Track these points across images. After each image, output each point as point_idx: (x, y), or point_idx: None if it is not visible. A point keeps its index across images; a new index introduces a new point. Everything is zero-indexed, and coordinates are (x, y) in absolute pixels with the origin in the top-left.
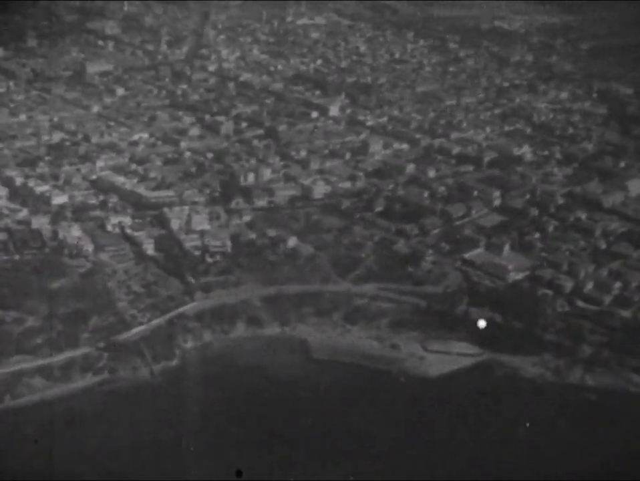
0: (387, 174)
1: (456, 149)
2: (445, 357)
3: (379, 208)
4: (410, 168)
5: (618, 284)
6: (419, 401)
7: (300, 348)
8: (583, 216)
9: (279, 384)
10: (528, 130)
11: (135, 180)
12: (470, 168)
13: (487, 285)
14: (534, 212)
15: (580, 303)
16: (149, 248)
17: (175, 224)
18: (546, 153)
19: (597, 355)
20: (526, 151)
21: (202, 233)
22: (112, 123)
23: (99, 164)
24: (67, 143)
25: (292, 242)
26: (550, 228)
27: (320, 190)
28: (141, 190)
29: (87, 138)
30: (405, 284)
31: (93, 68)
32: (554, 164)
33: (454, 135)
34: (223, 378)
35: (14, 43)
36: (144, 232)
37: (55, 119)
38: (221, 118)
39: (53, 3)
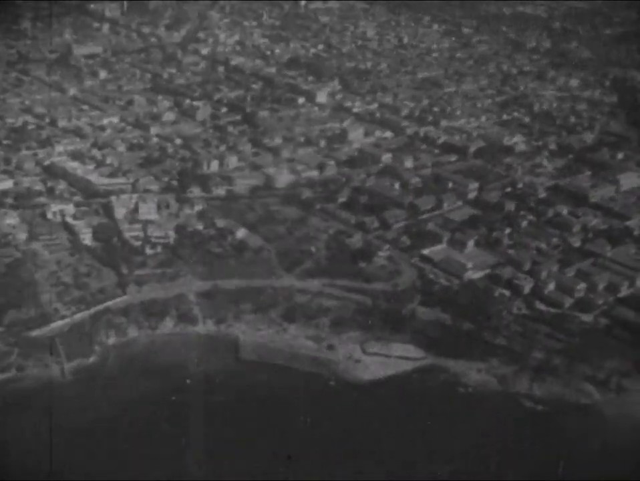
0: (361, 163)
1: (443, 139)
2: (384, 361)
3: (342, 199)
4: (387, 157)
5: (583, 286)
6: (344, 407)
7: (229, 347)
8: (565, 211)
9: (198, 385)
10: (527, 119)
11: (91, 167)
12: (453, 158)
13: (441, 284)
14: (511, 206)
15: (539, 305)
16: (87, 238)
17: (120, 213)
18: (540, 143)
19: (548, 362)
20: (518, 141)
21: (147, 223)
22: (85, 107)
23: (58, 148)
24: (31, 127)
25: (240, 233)
26: (524, 224)
27: (284, 179)
28: (94, 176)
29: (53, 122)
30: (354, 280)
31: (80, 50)
32: (547, 155)
33: (444, 123)
34: (140, 377)
35: (6, 25)
36: (84, 221)
37: (27, 102)
38: (199, 103)
39: None
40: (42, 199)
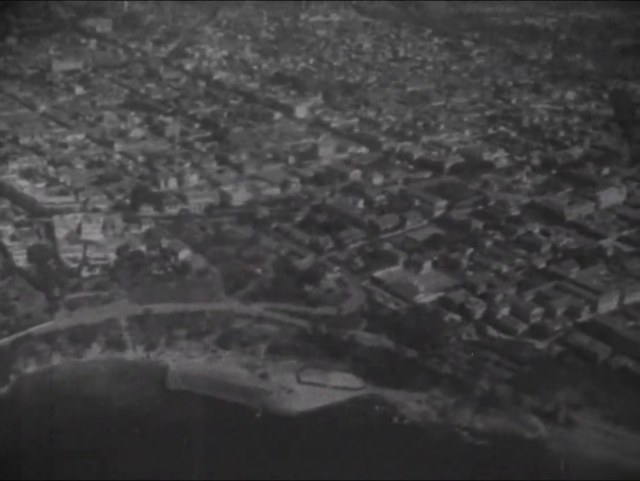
0: (327, 180)
1: (419, 154)
2: (318, 391)
3: (299, 218)
4: (355, 174)
5: (539, 311)
6: (269, 441)
7: (157, 376)
8: (536, 229)
9: (118, 417)
10: (513, 134)
11: (41, 185)
12: (427, 174)
13: (389, 308)
14: (478, 224)
15: (491, 331)
16: (21, 260)
17: (61, 233)
18: (523, 158)
19: (493, 393)
20: (500, 156)
21: (88, 244)
22: (52, 124)
23: (13, 166)
24: None
25: (183, 254)
26: (489, 244)
27: (241, 197)
28: (40, 195)
29: (15, 139)
30: (297, 304)
31: (59, 66)
32: (528, 171)
33: (425, 138)
34: (57, 408)
35: None
36: (21, 242)
37: None
38: (169, 119)
39: (52, 2)
40: None
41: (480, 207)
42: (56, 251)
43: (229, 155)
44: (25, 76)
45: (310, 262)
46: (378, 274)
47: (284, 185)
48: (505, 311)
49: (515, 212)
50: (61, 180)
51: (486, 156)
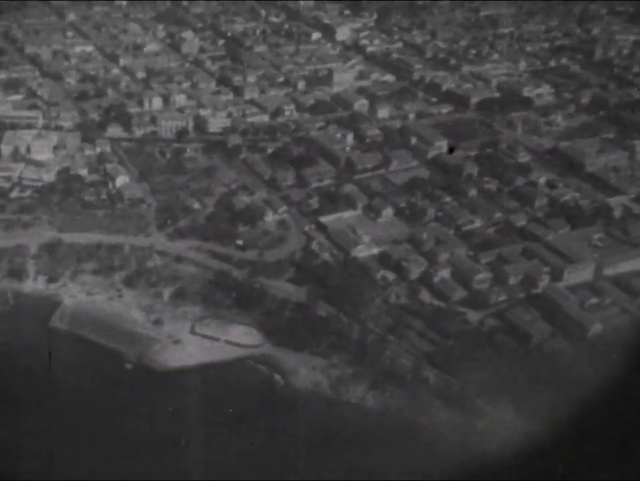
0: (326, 109)
1: (449, 86)
2: (209, 345)
3: (271, 150)
4: (361, 104)
5: (486, 276)
6: (123, 396)
7: (44, 312)
8: (542, 180)
9: None
10: (575, 68)
11: (14, 97)
12: (446, 109)
13: (322, 258)
14: (473, 169)
15: (424, 296)
16: None
17: (7, 150)
18: (570, 96)
19: (398, 368)
20: (544, 92)
21: (31, 163)
22: (70, 34)
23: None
24: None
25: (121, 181)
26: (472, 192)
27: (218, 123)
28: (6, 107)
29: (21, 48)
30: (226, 245)
31: None
32: (570, 111)
33: (466, 68)
34: None
35: None
36: None
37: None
38: (189, 35)
39: None
40: None
41: (489, 150)
42: None
43: (235, 76)
44: None
45: (256, 200)
46: (327, 219)
47: (276, 112)
48: (445, 273)
49: (524, 159)
50: (40, 93)
51: (527, 92)
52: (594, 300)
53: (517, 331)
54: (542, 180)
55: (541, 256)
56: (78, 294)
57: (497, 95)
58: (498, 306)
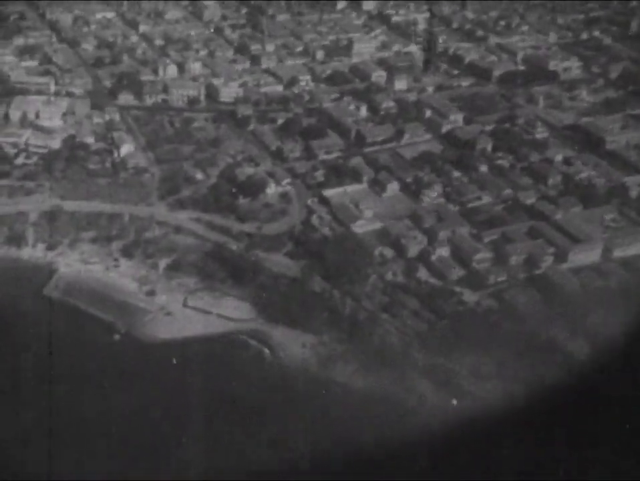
0: (343, 80)
1: (473, 58)
2: (200, 318)
3: (281, 120)
4: (378, 75)
5: (486, 256)
6: (110, 366)
7: (40, 280)
8: (559, 157)
9: None
10: (607, 41)
11: (30, 63)
12: (467, 82)
13: (321, 233)
14: (487, 144)
15: (422, 274)
16: None
17: (15, 115)
18: (599, 71)
19: (389, 348)
20: (572, 66)
21: (39, 129)
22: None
23: (17, 42)
24: None
25: (126, 149)
26: (483, 168)
27: (230, 92)
28: (18, 73)
29: (42, 14)
30: (227, 217)
31: None
32: (597, 85)
33: (493, 40)
34: None
35: None
36: None
37: None
38: (211, 2)
39: None
40: None
41: (507, 125)
42: None
43: (253, 45)
44: None
45: (259, 171)
46: (330, 192)
47: (291, 83)
48: (444, 252)
49: (542, 134)
50: (55, 59)
51: (553, 65)
52: (598, 282)
53: (513, 313)
54: (559, 157)
55: (547, 235)
56: (75, 263)
57: (521, 68)
58: (496, 286)
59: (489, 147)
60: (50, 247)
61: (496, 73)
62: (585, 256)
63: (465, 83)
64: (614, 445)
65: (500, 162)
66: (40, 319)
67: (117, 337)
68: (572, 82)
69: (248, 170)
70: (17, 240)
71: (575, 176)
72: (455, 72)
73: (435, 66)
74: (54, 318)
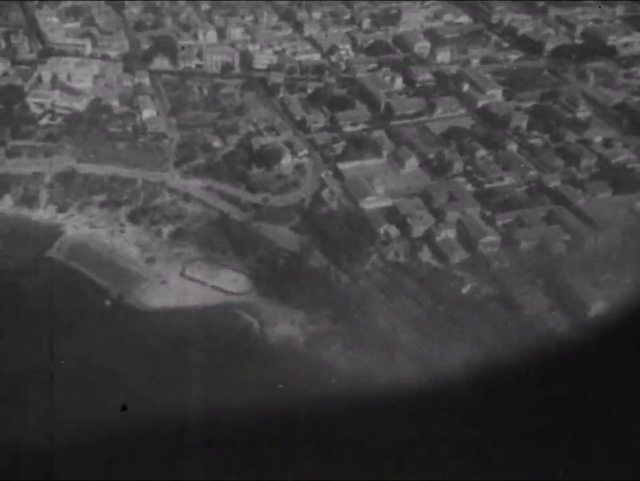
0: (384, 50)
1: (527, 30)
2: (194, 288)
3: (311, 90)
4: (421, 46)
5: (493, 240)
6: (96, 332)
7: (46, 241)
8: (598, 138)
9: None
10: None
11: (71, 24)
12: (516, 55)
13: (329, 208)
14: (522, 121)
15: (423, 255)
16: None
17: (47, 76)
18: None
19: (379, 330)
20: (632, 41)
21: (67, 91)
22: None
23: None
24: None
25: (147, 114)
26: (511, 147)
27: (264, 59)
28: (58, 34)
29: None
30: (238, 187)
31: None
32: None
33: (553, 12)
34: None
35: None
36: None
37: None
38: None
39: None
40: None
41: (548, 102)
42: (23, 94)
43: (299, 12)
44: None
45: (277, 141)
46: (347, 166)
47: (330, 51)
48: (450, 233)
49: (585, 113)
50: (97, 21)
51: (612, 40)
52: (610, 276)
53: (511, 301)
54: (598, 138)
55: (565, 221)
56: (82, 226)
57: (578, 42)
58: (500, 273)
59: (524, 125)
60: (60, 209)
61: (549, 46)
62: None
63: (513, 56)
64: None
65: (533, 140)
66: (40, 280)
67: (108, 302)
68: (630, 59)
69: (266, 139)
70: (29, 200)
71: (612, 160)
72: (506, 45)
73: (486, 37)
74: (51, 280)
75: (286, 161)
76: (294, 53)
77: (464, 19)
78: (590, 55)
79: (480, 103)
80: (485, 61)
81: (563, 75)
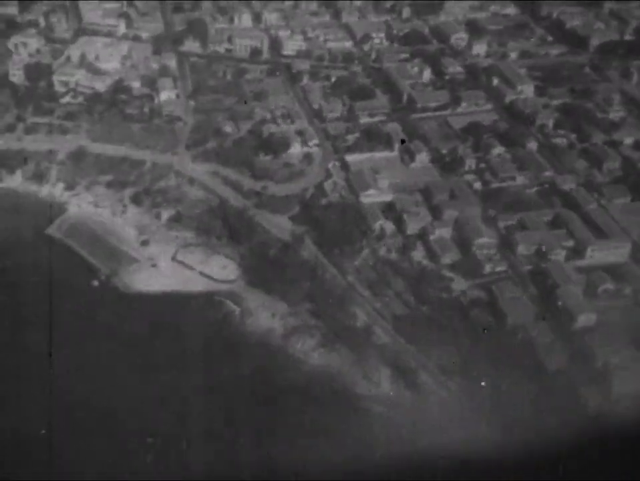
0: (418, 40)
1: (575, 24)
2: (183, 273)
3: (334, 79)
4: (458, 37)
5: (490, 242)
6: (80, 313)
7: (47, 219)
8: (629, 140)
9: None
10: None
11: (111, 5)
12: (559, 50)
13: (329, 200)
14: (549, 119)
15: (415, 253)
16: (17, 75)
17: (75, 55)
18: None
19: (358, 329)
20: None
21: (90, 70)
22: None
23: None
24: None
25: (165, 96)
26: (531, 145)
27: (293, 45)
28: (93, 15)
29: None
30: (244, 173)
31: None
32: None
33: (609, 5)
34: None
35: None
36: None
37: None
38: None
39: None
40: None
41: (583, 100)
42: (50, 72)
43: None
44: None
45: (289, 129)
46: (355, 157)
47: (363, 39)
48: (445, 233)
49: (618, 113)
50: (136, 1)
51: None
52: (609, 286)
53: (495, 308)
54: (629, 140)
55: (571, 227)
56: (86, 205)
57: (629, 38)
58: (491, 276)
59: (550, 123)
60: (68, 187)
61: (595, 42)
62: (608, 254)
63: (555, 51)
64: None
65: (557, 140)
66: (36, 257)
67: (95, 283)
68: None
69: (279, 127)
70: (39, 177)
71: (638, 164)
72: (550, 38)
73: (530, 30)
74: (46, 257)
75: (295, 149)
76: (325, 41)
77: (511, 10)
78: (637, 52)
79: (508, 99)
80: (523, 55)
81: (605, 73)
